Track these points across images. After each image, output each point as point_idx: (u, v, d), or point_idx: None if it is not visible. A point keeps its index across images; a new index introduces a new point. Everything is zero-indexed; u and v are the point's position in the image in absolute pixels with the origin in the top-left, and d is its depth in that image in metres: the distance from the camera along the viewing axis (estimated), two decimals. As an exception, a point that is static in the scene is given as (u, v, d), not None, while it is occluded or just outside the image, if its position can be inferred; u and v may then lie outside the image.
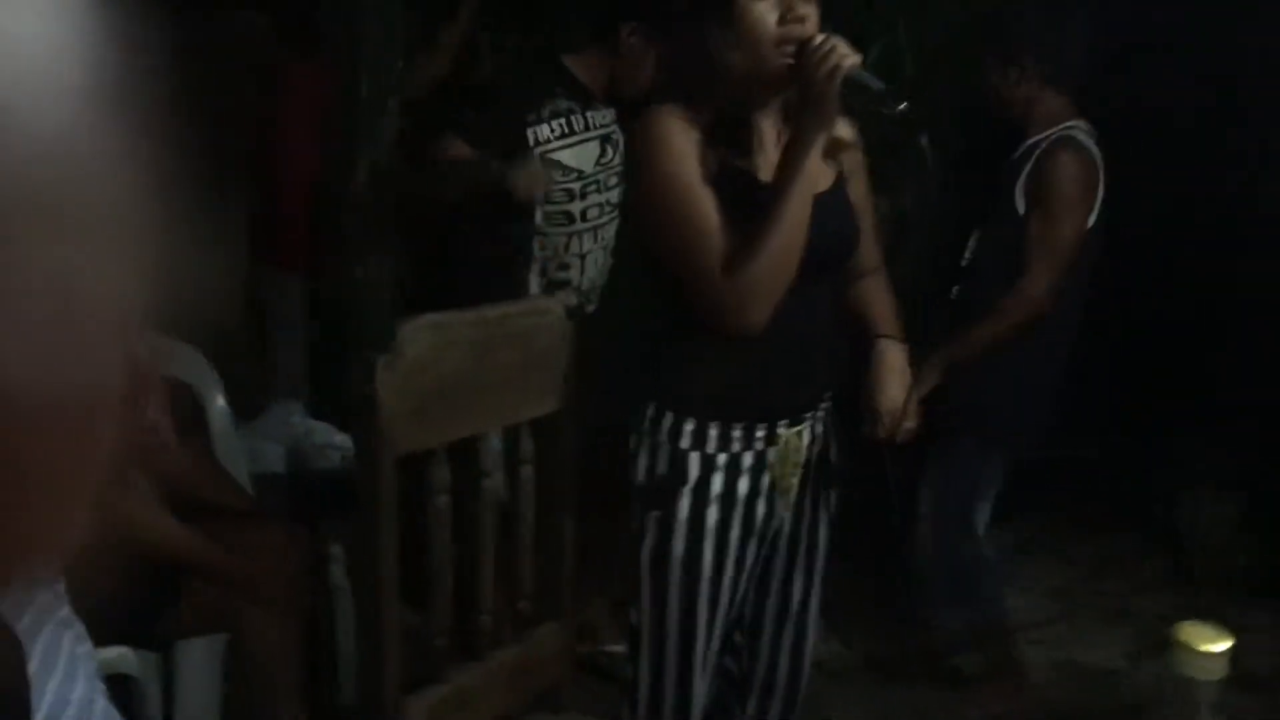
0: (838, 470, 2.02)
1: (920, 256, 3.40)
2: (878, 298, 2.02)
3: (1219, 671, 0.85)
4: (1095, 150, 2.77)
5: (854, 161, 1.95)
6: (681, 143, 1.74)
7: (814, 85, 1.66)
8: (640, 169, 1.79)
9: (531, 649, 1.88)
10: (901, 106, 1.69)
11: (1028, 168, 2.78)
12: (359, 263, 3.17)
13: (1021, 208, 2.76)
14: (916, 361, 2.17)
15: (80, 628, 0.77)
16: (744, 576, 1.90)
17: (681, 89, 1.78)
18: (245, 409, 2.95)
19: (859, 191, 1.97)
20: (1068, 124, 2.79)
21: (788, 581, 1.97)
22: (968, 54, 3.70)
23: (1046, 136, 2.78)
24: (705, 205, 1.73)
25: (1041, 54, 2.81)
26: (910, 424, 1.96)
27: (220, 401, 2.76)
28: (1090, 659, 3.15)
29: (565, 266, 2.67)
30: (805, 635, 1.98)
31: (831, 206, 1.82)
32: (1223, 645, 0.85)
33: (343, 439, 2.94)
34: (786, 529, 1.95)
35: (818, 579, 1.98)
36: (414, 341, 1.61)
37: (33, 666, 0.71)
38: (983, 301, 2.79)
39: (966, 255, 2.91)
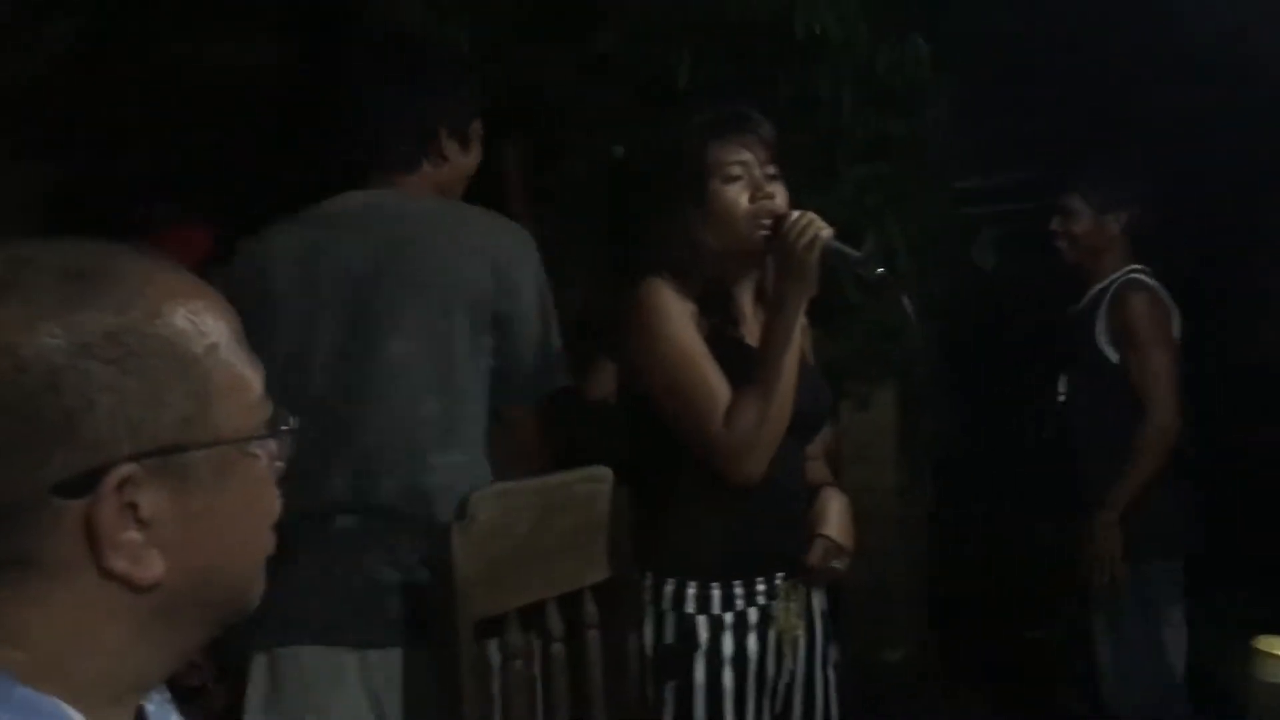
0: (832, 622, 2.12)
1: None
2: (824, 473, 2.17)
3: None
4: (1161, 288, 3.02)
5: (807, 346, 2.12)
6: (678, 310, 1.91)
7: (794, 255, 1.85)
8: (638, 336, 1.94)
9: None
10: (880, 270, 1.86)
11: (1101, 314, 3.01)
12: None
13: (1113, 355, 2.98)
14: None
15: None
16: None
17: (668, 264, 1.96)
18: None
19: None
20: (1130, 268, 3.06)
21: None
22: (953, 243, 3.94)
23: (1112, 281, 3.03)
24: (706, 364, 1.90)
25: (1122, 199, 3.07)
26: (842, 564, 2.03)
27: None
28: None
29: None
30: None
31: (805, 373, 1.98)
32: (1301, 649, 0.92)
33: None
34: (800, 682, 2.02)
35: None
36: (484, 507, 1.70)
37: None
38: (1086, 439, 3.02)
39: (1060, 397, 3.10)
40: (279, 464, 0.84)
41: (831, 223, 1.89)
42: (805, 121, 3.33)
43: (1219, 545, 3.34)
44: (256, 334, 2.02)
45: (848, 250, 1.88)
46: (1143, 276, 3.06)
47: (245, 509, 0.80)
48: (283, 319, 1.88)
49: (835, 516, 2.03)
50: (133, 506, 0.73)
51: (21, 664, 0.72)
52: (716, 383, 1.88)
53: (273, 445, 0.82)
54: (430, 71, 2.04)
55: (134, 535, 0.74)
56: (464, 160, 2.07)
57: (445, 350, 1.88)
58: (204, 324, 0.78)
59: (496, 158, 3.49)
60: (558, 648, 1.83)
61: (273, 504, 0.84)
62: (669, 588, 1.95)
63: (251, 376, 0.81)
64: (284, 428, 0.83)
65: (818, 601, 2.07)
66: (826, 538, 2.00)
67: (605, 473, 1.93)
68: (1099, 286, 3.11)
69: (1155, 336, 2.99)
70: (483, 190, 2.41)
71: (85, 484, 0.72)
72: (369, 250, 1.90)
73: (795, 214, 1.89)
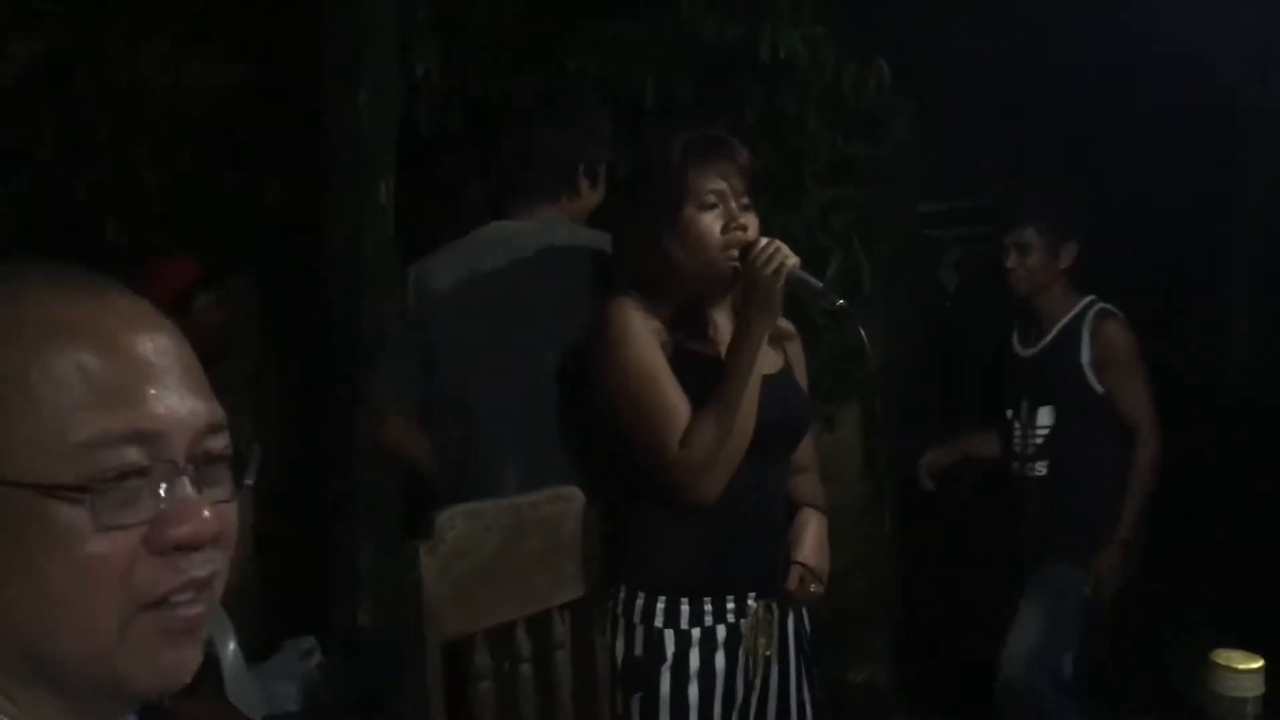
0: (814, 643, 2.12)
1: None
2: (811, 489, 2.17)
3: (1257, 688, 0.94)
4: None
5: (795, 352, 2.14)
6: (641, 329, 1.92)
7: (760, 282, 1.87)
8: (604, 354, 1.96)
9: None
10: (840, 301, 1.89)
11: (1084, 346, 3.01)
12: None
13: (1097, 385, 3.00)
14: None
15: None
16: None
17: (640, 284, 1.97)
18: (258, 648, 2.96)
19: (801, 378, 2.15)
20: (1091, 298, 3.09)
21: None
22: (918, 264, 3.98)
23: (1079, 314, 3.05)
24: (666, 384, 1.90)
25: (1075, 231, 3.09)
26: (819, 589, 2.04)
27: (232, 646, 2.78)
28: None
29: None
30: None
31: (780, 388, 2.00)
32: (1257, 664, 0.94)
33: (355, 674, 2.95)
34: (773, 702, 2.02)
35: None
36: (452, 528, 1.70)
37: None
38: (1076, 473, 3.05)
39: (1041, 432, 3.11)
40: (143, 518, 0.73)
41: (797, 244, 1.91)
42: (770, 143, 3.36)
43: (1184, 562, 3.38)
44: (422, 346, 2.18)
45: (811, 280, 1.92)
46: (1109, 306, 3.10)
47: (45, 562, 0.70)
48: (446, 333, 2.19)
49: (811, 540, 2.04)
50: None
51: None
52: (677, 404, 1.89)
53: (115, 497, 0.72)
54: (579, 115, 2.37)
55: None
56: (592, 195, 2.38)
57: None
58: (21, 358, 0.71)
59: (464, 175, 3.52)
60: (526, 668, 1.83)
61: (103, 561, 0.71)
62: (639, 601, 1.96)
63: (83, 421, 0.71)
64: (107, 480, 0.71)
65: (795, 623, 2.06)
66: (802, 564, 2.01)
67: (574, 493, 1.94)
68: (1066, 319, 3.12)
69: (1135, 364, 3.04)
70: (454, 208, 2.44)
71: None
72: (523, 272, 2.21)
73: (763, 241, 1.91)
